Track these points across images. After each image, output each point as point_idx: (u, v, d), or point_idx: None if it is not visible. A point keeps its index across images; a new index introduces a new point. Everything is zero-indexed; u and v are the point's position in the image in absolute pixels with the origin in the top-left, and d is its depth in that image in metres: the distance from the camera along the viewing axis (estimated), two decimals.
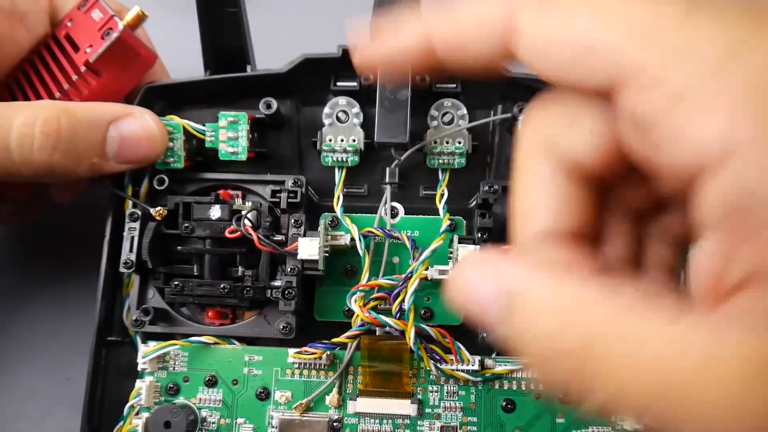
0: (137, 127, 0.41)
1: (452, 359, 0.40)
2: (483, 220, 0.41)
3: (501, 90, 0.44)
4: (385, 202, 0.43)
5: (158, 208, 0.41)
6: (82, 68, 0.40)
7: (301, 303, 0.41)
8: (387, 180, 0.43)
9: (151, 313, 0.41)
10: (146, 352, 0.41)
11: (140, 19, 0.42)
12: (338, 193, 0.44)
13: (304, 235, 0.41)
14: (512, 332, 0.22)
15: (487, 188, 0.42)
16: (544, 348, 0.21)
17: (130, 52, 0.41)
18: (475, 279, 0.23)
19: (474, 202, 0.44)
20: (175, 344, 0.41)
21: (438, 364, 0.40)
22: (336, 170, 0.44)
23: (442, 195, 0.44)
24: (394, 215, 0.44)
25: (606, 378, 0.19)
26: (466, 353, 0.40)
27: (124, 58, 0.41)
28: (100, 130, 0.40)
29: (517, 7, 0.24)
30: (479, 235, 0.41)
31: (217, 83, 0.44)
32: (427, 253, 0.40)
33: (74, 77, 0.41)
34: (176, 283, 0.41)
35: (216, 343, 0.41)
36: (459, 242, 0.41)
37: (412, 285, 0.39)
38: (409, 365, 0.40)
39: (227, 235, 0.41)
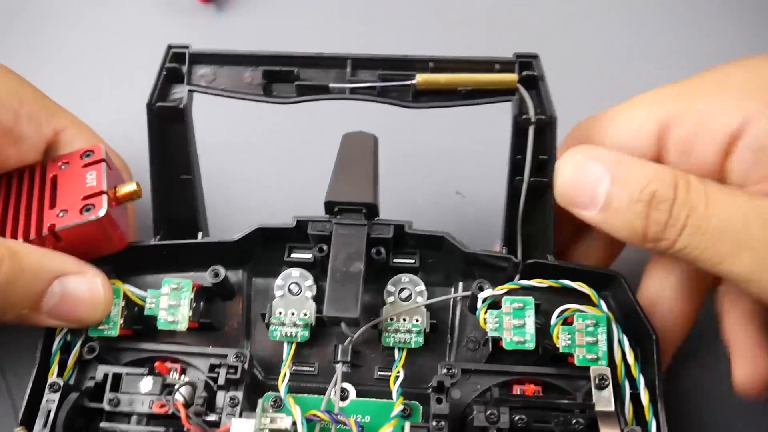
0: (84, 288, 0.39)
1: None
2: (438, 406, 0.37)
3: (461, 267, 0.42)
4: (335, 383, 0.39)
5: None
6: (45, 231, 0.39)
7: None
8: (338, 358, 0.40)
9: None
10: None
11: (131, 196, 0.40)
12: (285, 370, 0.40)
13: (240, 416, 0.37)
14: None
15: (444, 371, 0.39)
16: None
17: (101, 235, 0.39)
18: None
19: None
20: None
21: None
22: (285, 345, 0.41)
23: (396, 376, 0.40)
24: (344, 398, 0.40)
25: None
26: None
27: (92, 237, 0.39)
28: (42, 282, 0.37)
29: None
30: (434, 423, 0.37)
31: (165, 249, 0.42)
32: None
33: (44, 232, 0.38)
34: None
35: None
36: (410, 430, 0.37)
37: None
38: None
39: (155, 409, 0.37)
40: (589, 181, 0.36)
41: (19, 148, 0.42)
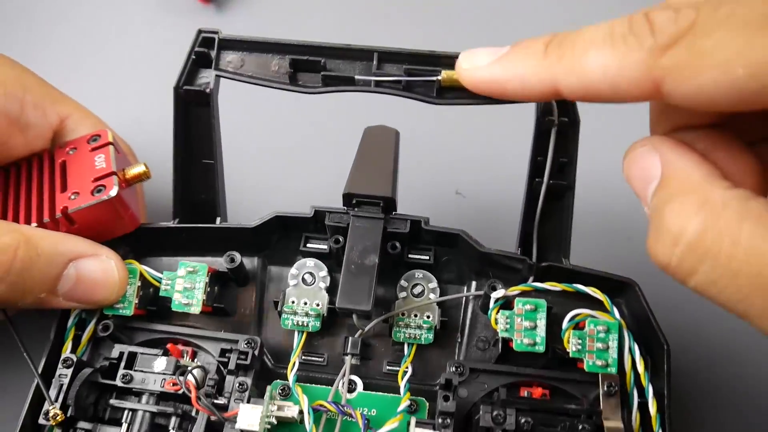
0: (98, 270, 0.39)
1: None
2: (444, 404, 0.37)
3: (475, 266, 0.42)
4: (344, 375, 0.39)
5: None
6: (58, 214, 0.39)
7: None
8: (348, 350, 0.40)
9: None
10: None
11: (140, 177, 0.41)
12: (294, 359, 0.40)
13: (248, 402, 0.37)
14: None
15: (453, 369, 0.39)
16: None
17: (113, 215, 0.40)
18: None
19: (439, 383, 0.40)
20: None
21: None
22: (296, 334, 0.41)
23: (405, 372, 0.40)
24: (351, 390, 0.40)
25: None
26: None
27: (104, 218, 0.40)
28: (58, 266, 0.38)
29: (660, 54, 0.25)
30: (440, 420, 0.37)
31: (184, 232, 0.42)
32: None
33: (57, 215, 0.39)
34: None
35: None
36: (416, 426, 0.37)
37: None
38: None
39: (167, 387, 0.38)
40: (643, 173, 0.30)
41: (26, 136, 0.42)
